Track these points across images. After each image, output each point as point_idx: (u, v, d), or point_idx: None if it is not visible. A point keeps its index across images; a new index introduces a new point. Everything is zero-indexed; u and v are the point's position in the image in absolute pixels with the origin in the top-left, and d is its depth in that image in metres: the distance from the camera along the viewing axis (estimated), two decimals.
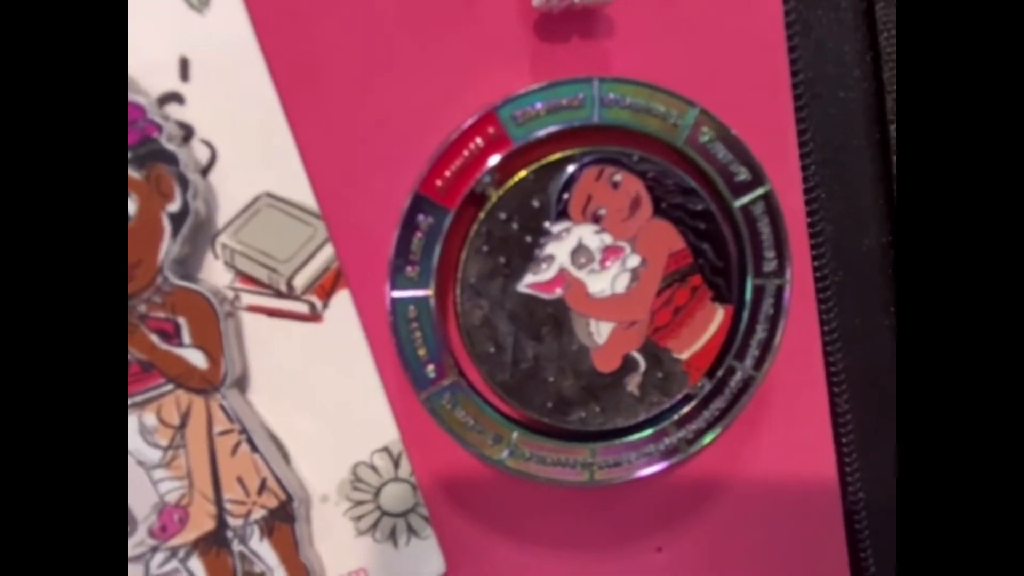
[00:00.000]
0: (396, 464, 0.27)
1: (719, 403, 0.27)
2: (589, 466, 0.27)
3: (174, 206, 0.24)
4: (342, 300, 0.26)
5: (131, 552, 0.26)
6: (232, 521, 0.26)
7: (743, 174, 0.26)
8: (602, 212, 0.25)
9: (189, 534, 0.26)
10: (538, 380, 0.26)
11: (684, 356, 0.27)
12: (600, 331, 0.26)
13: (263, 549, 0.27)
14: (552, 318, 0.26)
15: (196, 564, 0.26)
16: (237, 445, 0.26)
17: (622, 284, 0.26)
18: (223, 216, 0.25)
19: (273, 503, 0.26)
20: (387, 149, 0.25)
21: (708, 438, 0.27)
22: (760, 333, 0.27)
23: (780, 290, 0.27)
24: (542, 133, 0.25)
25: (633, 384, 0.26)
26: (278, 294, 0.26)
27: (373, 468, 0.27)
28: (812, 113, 0.28)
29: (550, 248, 0.25)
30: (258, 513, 0.26)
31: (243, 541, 0.27)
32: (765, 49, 0.26)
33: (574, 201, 0.25)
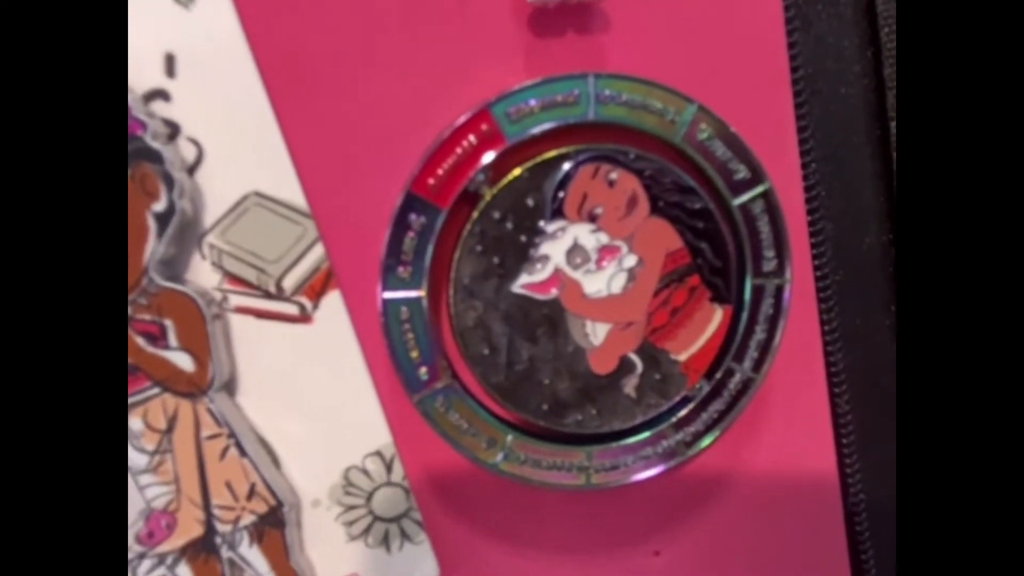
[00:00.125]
0: (389, 468, 0.27)
1: (718, 405, 0.27)
2: (585, 469, 0.27)
3: (159, 205, 0.23)
4: (333, 301, 0.25)
5: None
6: (221, 527, 0.26)
7: (742, 172, 0.25)
8: (598, 211, 0.25)
9: (177, 540, 0.26)
10: (533, 382, 0.26)
11: (682, 357, 0.26)
12: (596, 332, 0.26)
13: (253, 555, 0.26)
14: (547, 319, 0.25)
15: (184, 571, 0.26)
16: (225, 449, 0.25)
17: (618, 284, 0.25)
18: (210, 216, 0.24)
19: (263, 508, 0.26)
20: (378, 147, 0.25)
21: (707, 440, 0.27)
22: (759, 334, 0.26)
23: (780, 290, 0.26)
24: (536, 130, 0.24)
25: (630, 386, 0.26)
26: (267, 295, 0.25)
27: (365, 472, 0.27)
28: (812, 110, 0.28)
29: (545, 248, 0.25)
30: (247, 519, 0.26)
31: (232, 547, 0.26)
32: (764, 44, 0.26)
33: (569, 200, 0.25)
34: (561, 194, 0.25)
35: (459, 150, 0.24)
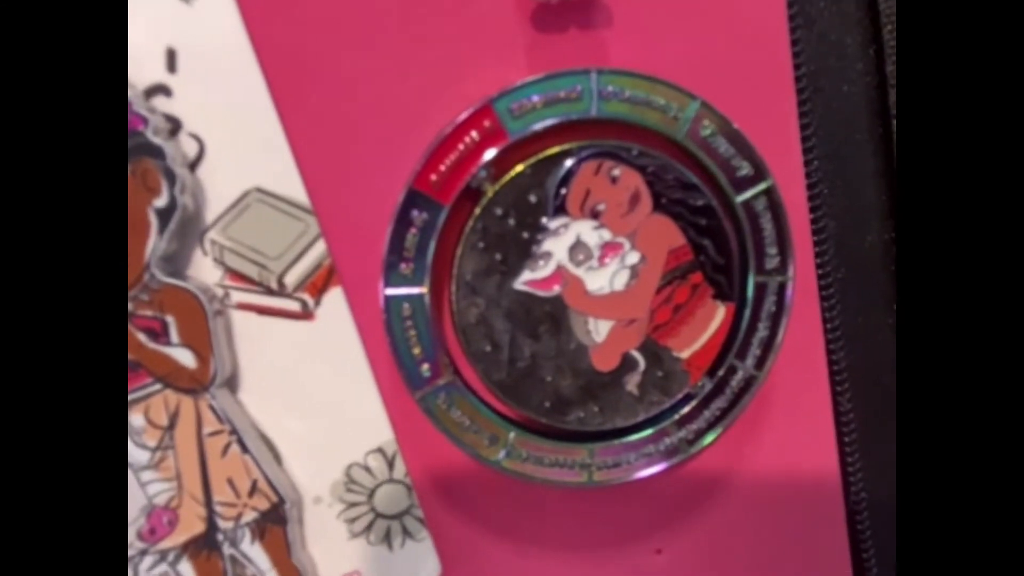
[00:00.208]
0: (390, 465, 0.27)
1: (720, 402, 0.27)
2: (588, 467, 0.26)
3: (161, 201, 0.23)
4: (334, 298, 0.25)
5: None
6: (222, 524, 0.26)
7: (745, 169, 0.25)
8: (601, 207, 0.25)
9: (179, 537, 0.26)
10: (535, 379, 0.25)
11: (684, 355, 0.26)
12: (599, 329, 0.25)
13: (254, 552, 0.26)
14: (550, 316, 0.25)
15: (186, 567, 0.26)
16: (227, 446, 0.25)
17: (621, 281, 0.25)
18: (212, 212, 0.24)
19: (264, 505, 0.26)
20: (380, 143, 0.25)
21: (709, 438, 0.27)
22: (762, 331, 0.26)
23: (782, 287, 0.26)
24: (539, 126, 0.24)
25: (632, 383, 0.26)
26: (269, 291, 0.25)
27: (367, 469, 0.27)
28: (814, 107, 0.28)
29: (547, 244, 0.25)
30: (249, 515, 0.26)
31: (234, 544, 0.26)
32: (767, 42, 0.26)
33: (572, 196, 0.25)
34: (564, 191, 0.24)
35: (461, 146, 0.24)
